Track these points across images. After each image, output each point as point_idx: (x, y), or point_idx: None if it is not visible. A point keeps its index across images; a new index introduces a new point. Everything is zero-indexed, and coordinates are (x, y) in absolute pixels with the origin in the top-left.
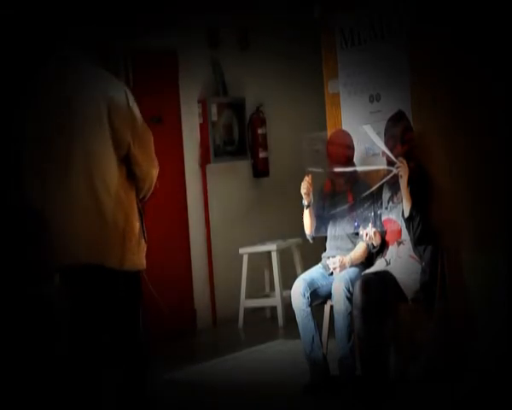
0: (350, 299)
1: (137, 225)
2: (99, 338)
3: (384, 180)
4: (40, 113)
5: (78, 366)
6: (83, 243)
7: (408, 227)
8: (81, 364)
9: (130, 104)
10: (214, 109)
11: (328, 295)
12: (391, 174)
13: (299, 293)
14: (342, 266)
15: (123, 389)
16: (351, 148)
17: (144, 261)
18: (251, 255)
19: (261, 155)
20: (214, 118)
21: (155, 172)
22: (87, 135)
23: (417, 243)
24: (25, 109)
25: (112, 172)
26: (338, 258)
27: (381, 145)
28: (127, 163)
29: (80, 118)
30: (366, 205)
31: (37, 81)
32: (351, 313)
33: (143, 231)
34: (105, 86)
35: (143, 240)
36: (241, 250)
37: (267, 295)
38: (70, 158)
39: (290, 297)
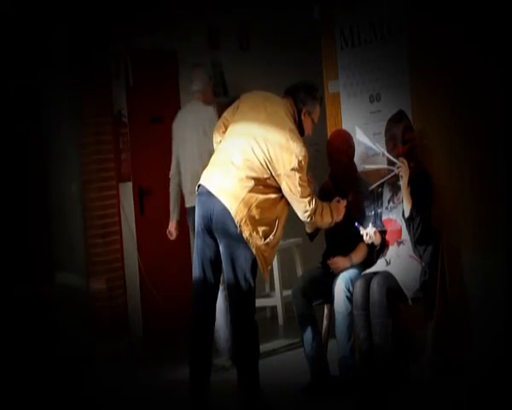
0: (350, 299)
1: (263, 228)
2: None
3: (384, 179)
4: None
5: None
6: (225, 197)
7: (408, 227)
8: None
9: (287, 146)
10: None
11: (329, 295)
12: (392, 174)
13: (299, 293)
14: (342, 266)
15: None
16: (351, 147)
17: (258, 250)
18: None
19: None
20: None
21: (301, 206)
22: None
23: (417, 243)
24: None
25: (256, 176)
26: (338, 257)
27: (376, 147)
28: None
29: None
30: (366, 205)
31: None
32: (351, 313)
33: (272, 234)
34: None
35: (264, 239)
36: None
37: (267, 295)
38: (231, 160)
39: (290, 297)
